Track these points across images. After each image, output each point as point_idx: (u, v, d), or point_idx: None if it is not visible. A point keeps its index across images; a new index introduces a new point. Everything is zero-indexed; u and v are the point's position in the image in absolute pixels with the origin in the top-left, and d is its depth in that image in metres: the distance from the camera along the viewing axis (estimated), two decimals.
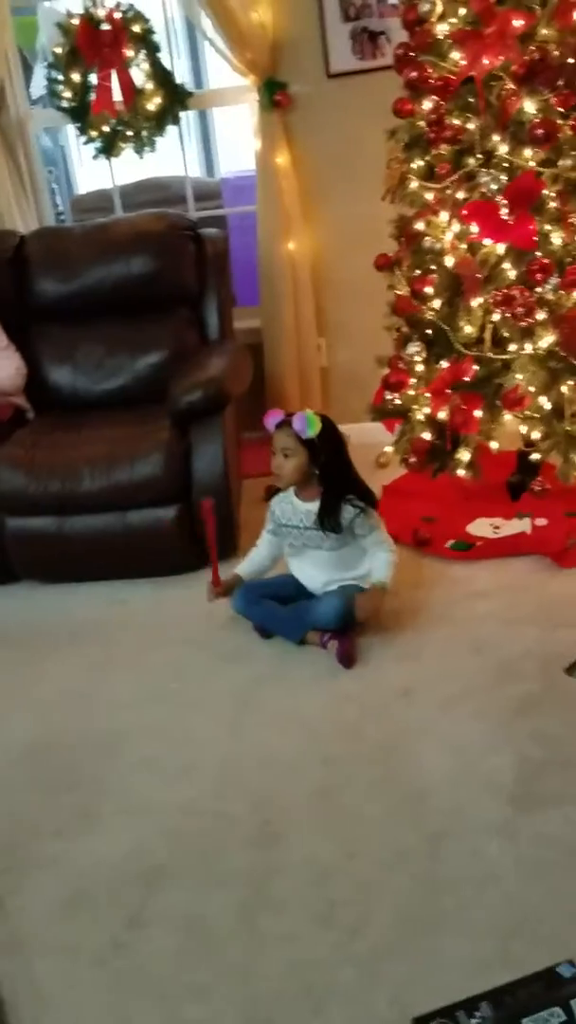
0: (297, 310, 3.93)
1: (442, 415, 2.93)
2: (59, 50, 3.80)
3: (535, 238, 2.62)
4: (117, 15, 3.72)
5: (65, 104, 3.86)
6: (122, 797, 2.17)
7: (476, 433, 2.88)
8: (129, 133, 3.86)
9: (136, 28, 3.72)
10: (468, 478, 2.94)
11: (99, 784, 2.22)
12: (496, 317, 2.76)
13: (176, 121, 3.88)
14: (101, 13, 3.74)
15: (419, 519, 3.21)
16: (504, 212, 2.62)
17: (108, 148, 3.90)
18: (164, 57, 3.81)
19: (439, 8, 2.74)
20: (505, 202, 2.62)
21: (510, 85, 2.58)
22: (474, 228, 2.70)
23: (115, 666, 2.72)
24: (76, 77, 3.81)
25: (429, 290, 2.90)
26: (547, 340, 2.68)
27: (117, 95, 3.78)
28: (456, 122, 2.70)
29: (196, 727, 2.40)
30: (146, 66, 3.77)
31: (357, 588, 2.70)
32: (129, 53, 3.74)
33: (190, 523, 3.11)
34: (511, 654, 2.47)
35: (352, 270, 3.71)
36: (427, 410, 3.00)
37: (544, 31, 2.57)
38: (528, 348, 2.72)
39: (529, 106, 2.57)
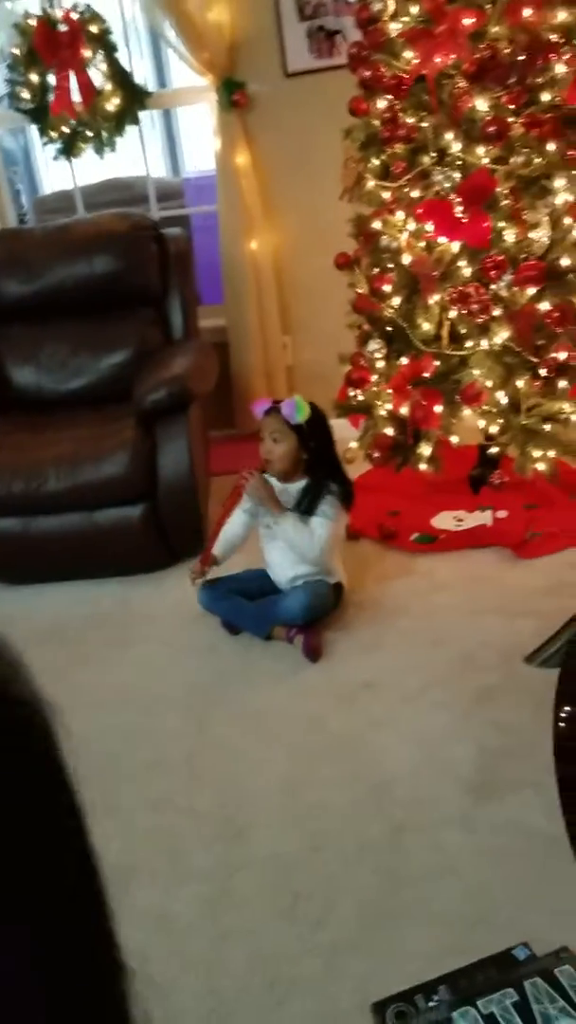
0: (261, 309, 3.95)
1: (403, 411, 2.96)
2: (17, 51, 3.78)
3: (489, 235, 2.65)
4: (74, 16, 3.71)
5: (24, 105, 3.85)
6: (88, 795, 2.18)
7: (437, 428, 2.91)
8: (89, 134, 3.85)
9: (93, 28, 3.72)
10: (430, 472, 2.97)
11: None
12: (453, 314, 2.79)
13: (136, 121, 3.88)
14: (58, 14, 3.73)
15: (385, 513, 3.24)
16: (458, 210, 2.65)
17: (68, 149, 3.90)
18: (123, 57, 3.81)
19: (391, 7, 2.76)
20: (459, 200, 2.65)
21: (462, 83, 2.60)
22: (429, 227, 2.73)
23: (82, 665, 2.73)
24: (35, 78, 3.80)
25: (387, 288, 2.93)
26: (502, 336, 2.72)
27: (76, 96, 3.78)
28: (410, 121, 2.72)
29: (163, 724, 2.42)
30: (104, 66, 3.77)
31: (323, 584, 2.73)
32: (87, 54, 3.74)
33: (157, 521, 3.12)
34: (471, 645, 2.51)
35: (315, 269, 3.74)
36: (389, 406, 3.03)
37: (494, 29, 2.61)
38: (484, 344, 2.75)
39: (481, 104, 2.60)
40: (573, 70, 2.56)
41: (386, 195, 2.89)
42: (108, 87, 3.79)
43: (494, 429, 2.86)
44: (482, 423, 2.89)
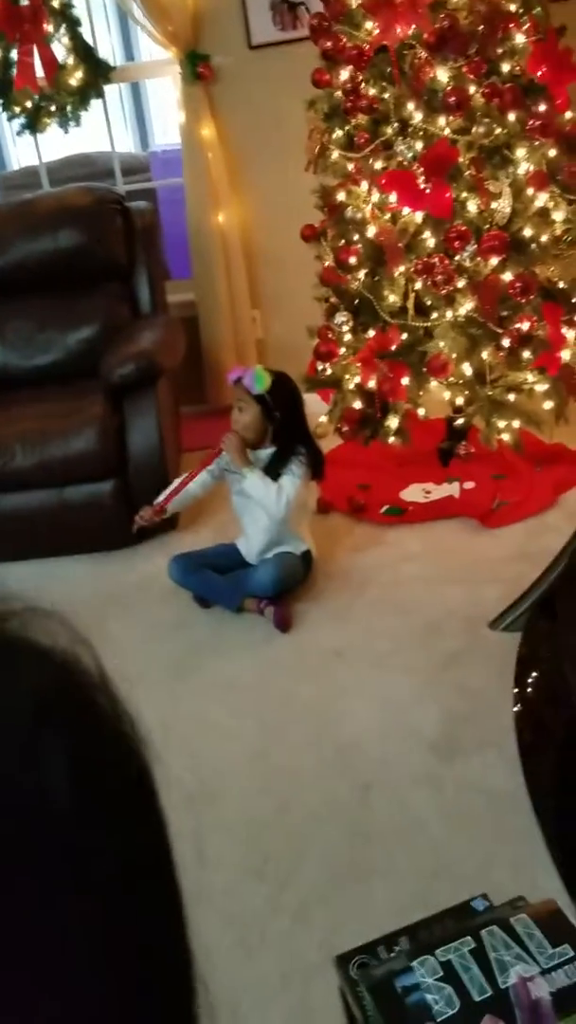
0: (230, 282, 3.95)
1: (371, 384, 2.98)
2: None
3: (451, 206, 2.66)
4: None
5: None
6: None
7: (404, 400, 2.93)
8: (53, 108, 3.82)
9: (55, 3, 3.68)
10: (398, 445, 3.00)
11: None
12: (418, 286, 2.81)
13: (100, 95, 3.85)
14: None
15: (355, 487, 3.27)
16: (421, 181, 2.66)
17: (32, 124, 3.87)
18: (86, 31, 3.78)
19: None
20: (421, 170, 2.66)
21: (423, 54, 2.61)
22: (393, 197, 2.74)
23: None
24: None
25: (353, 260, 2.94)
26: (467, 307, 2.74)
27: (39, 70, 3.74)
28: (372, 91, 2.73)
29: (135, 698, 2.43)
30: (67, 40, 3.73)
31: (293, 556, 2.76)
32: (49, 28, 3.70)
33: (127, 498, 3.13)
34: (438, 612, 2.55)
35: (283, 242, 3.73)
36: (357, 379, 3.04)
37: None
38: (449, 316, 2.77)
39: (442, 74, 2.61)
40: (532, 40, 2.57)
41: (350, 166, 2.90)
42: (71, 61, 3.75)
43: (460, 401, 2.88)
44: (447, 395, 2.91)
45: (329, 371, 3.14)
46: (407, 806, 1.92)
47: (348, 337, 3.05)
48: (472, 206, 2.67)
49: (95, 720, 0.35)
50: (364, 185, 2.86)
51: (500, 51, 2.60)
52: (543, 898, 1.34)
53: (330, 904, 1.73)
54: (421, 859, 1.79)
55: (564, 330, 2.79)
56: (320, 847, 1.86)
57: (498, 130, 2.62)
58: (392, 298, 2.90)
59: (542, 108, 2.62)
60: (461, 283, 2.71)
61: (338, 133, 2.90)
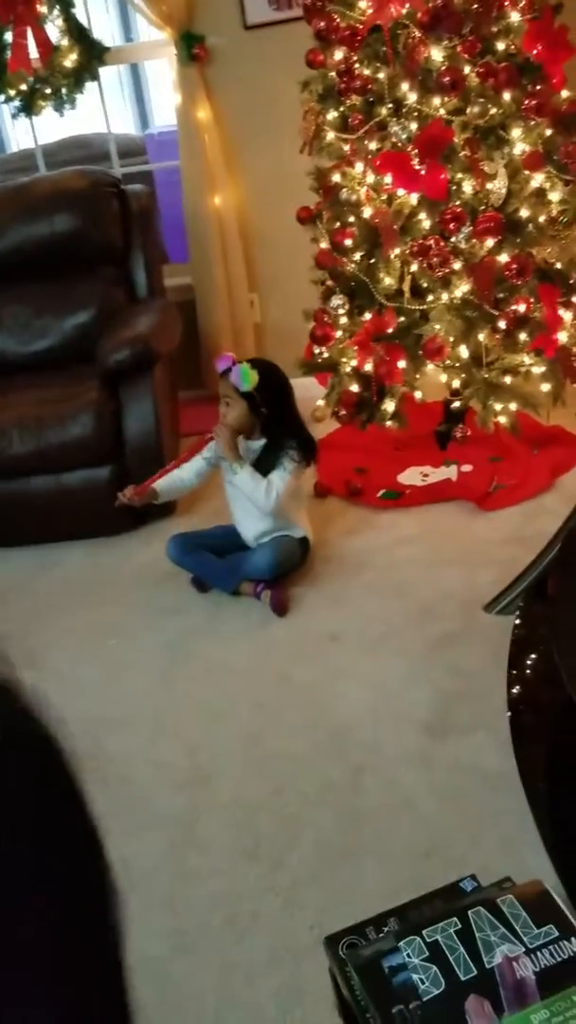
0: (227, 266, 3.93)
1: (368, 367, 2.97)
2: None
3: (446, 187, 2.65)
4: None
5: None
6: None
7: (400, 384, 2.93)
8: (48, 91, 3.80)
9: None
10: (395, 428, 2.99)
11: None
12: (414, 268, 2.79)
13: (95, 77, 3.83)
14: None
15: (352, 471, 3.26)
16: (415, 162, 2.64)
17: (27, 107, 3.84)
18: (80, 13, 3.75)
19: None
20: (416, 151, 2.64)
21: (417, 33, 2.59)
22: (388, 179, 2.72)
23: (50, 627, 2.76)
24: None
25: (349, 243, 2.93)
26: (463, 289, 2.72)
27: (34, 52, 3.72)
28: (366, 72, 2.71)
29: (131, 681, 2.46)
30: (61, 22, 3.71)
31: (290, 540, 2.76)
32: (43, 9, 3.67)
33: (124, 483, 3.12)
34: (433, 595, 2.55)
35: (280, 224, 3.71)
36: (354, 363, 3.03)
37: None
38: (445, 298, 2.76)
39: (436, 54, 2.58)
40: (527, 19, 2.55)
41: (345, 147, 2.88)
42: (65, 43, 3.73)
43: (457, 383, 2.87)
44: (444, 378, 2.90)
45: (326, 355, 3.13)
46: (399, 787, 1.92)
47: (344, 320, 3.04)
48: (467, 187, 2.66)
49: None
50: (359, 166, 2.84)
51: (495, 30, 2.58)
52: (531, 878, 1.35)
53: (322, 885, 1.74)
54: (413, 840, 1.80)
55: (561, 311, 2.78)
56: (312, 829, 1.87)
57: (493, 110, 2.60)
58: (388, 281, 2.88)
59: (538, 87, 2.60)
60: (457, 265, 2.70)
61: (332, 114, 2.88)
